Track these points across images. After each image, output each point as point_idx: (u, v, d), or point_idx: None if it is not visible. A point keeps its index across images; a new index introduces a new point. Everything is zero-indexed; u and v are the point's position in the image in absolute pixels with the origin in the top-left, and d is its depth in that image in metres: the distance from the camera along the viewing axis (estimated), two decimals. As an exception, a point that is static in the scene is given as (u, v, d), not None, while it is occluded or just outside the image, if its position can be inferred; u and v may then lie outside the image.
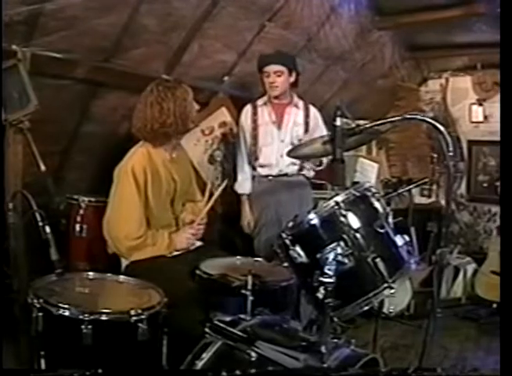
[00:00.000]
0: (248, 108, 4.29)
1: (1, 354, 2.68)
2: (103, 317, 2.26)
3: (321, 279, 2.05)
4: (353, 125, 2.32)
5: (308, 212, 2.22)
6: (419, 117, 2.41)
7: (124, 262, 3.16)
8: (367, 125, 2.30)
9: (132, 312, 2.30)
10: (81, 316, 2.22)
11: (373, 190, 2.32)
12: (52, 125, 3.50)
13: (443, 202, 6.19)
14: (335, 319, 2.22)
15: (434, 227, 5.46)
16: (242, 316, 2.50)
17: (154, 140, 3.18)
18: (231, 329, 2.34)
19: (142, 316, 2.31)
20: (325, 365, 2.12)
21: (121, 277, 2.77)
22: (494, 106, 6.55)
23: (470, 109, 6.74)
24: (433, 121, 2.20)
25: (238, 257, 3.27)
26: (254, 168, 4.30)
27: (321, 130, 4.28)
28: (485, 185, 6.74)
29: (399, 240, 2.26)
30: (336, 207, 2.18)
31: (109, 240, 3.09)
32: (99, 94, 3.72)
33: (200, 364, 2.26)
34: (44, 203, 2.83)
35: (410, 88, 6.82)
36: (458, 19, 4.94)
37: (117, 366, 2.28)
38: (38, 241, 2.58)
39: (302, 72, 4.25)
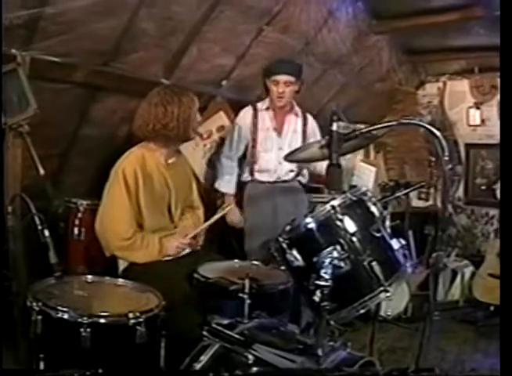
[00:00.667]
0: (248, 110, 4.29)
1: (2, 355, 2.69)
2: (102, 320, 2.27)
3: (317, 282, 2.07)
4: (350, 129, 2.34)
5: (305, 216, 2.24)
6: (414, 121, 2.42)
7: (122, 266, 3.18)
8: (363, 130, 2.32)
9: (130, 315, 2.30)
10: (79, 319, 2.23)
11: (370, 194, 2.34)
12: (51, 129, 3.51)
13: (441, 205, 6.19)
14: (332, 322, 2.24)
15: (432, 230, 5.46)
16: (239, 319, 2.52)
17: (153, 140, 3.21)
18: (228, 332, 2.36)
19: (140, 319, 2.32)
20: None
21: (119, 280, 2.78)
22: (491, 110, 6.58)
23: (468, 112, 6.76)
24: (428, 126, 2.22)
25: (235, 260, 3.29)
26: (251, 173, 4.31)
27: (316, 138, 4.27)
28: (483, 188, 6.74)
29: (395, 244, 2.28)
30: (332, 211, 2.20)
31: (100, 238, 3.13)
32: (98, 98, 3.73)
33: (197, 367, 2.28)
34: (42, 206, 2.83)
35: (408, 92, 6.83)
36: (455, 22, 4.95)
37: (115, 368, 2.29)
38: (37, 244, 2.58)
39: (300, 76, 4.27)
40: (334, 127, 2.23)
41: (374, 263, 2.16)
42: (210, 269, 3.00)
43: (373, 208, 2.29)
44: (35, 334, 2.29)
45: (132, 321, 2.30)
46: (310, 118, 4.40)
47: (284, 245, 2.25)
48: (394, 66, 6.12)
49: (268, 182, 4.29)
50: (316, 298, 2.08)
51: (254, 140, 4.26)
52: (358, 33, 5.12)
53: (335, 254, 2.13)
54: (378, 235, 2.23)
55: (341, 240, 2.17)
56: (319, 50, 4.96)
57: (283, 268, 2.54)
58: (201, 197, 3.69)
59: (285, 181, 4.30)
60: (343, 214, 2.20)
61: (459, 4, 4.69)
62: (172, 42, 3.80)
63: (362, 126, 2.37)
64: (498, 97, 6.48)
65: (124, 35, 3.46)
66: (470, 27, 5.17)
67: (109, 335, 2.30)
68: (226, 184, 4.36)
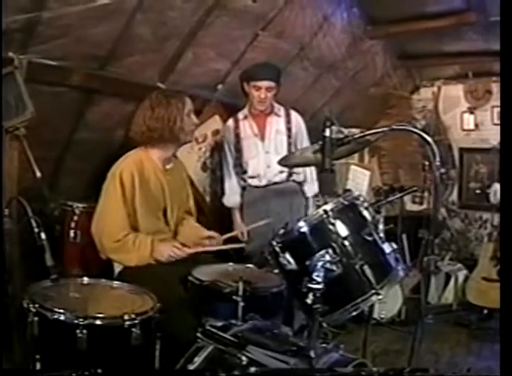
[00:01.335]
0: (230, 122, 4.36)
1: (2, 355, 2.71)
2: (97, 322, 2.29)
3: (310, 285, 2.10)
4: (343, 134, 2.37)
5: (298, 220, 2.27)
6: (406, 127, 2.45)
7: (118, 268, 3.20)
8: (356, 136, 2.35)
9: (126, 317, 2.33)
10: (75, 321, 2.25)
11: (362, 199, 2.37)
12: (47, 132, 3.52)
13: (435, 209, 6.22)
14: (324, 324, 2.26)
15: (426, 234, 5.49)
16: (233, 321, 2.54)
17: (145, 144, 3.26)
18: (222, 334, 2.37)
19: (136, 321, 2.35)
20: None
21: (115, 283, 2.80)
22: (485, 115, 6.63)
23: (462, 117, 6.81)
24: (420, 132, 2.25)
25: (230, 263, 3.31)
26: (243, 180, 4.35)
27: (302, 134, 4.38)
28: (477, 192, 6.78)
29: (387, 248, 2.30)
30: (324, 215, 2.22)
31: (95, 239, 3.16)
32: (94, 101, 3.75)
33: (191, 368, 2.29)
34: (39, 209, 2.85)
35: (402, 97, 6.86)
36: (449, 28, 4.99)
37: (111, 369, 2.31)
38: (33, 247, 2.60)
39: (295, 80, 4.29)
40: (327, 132, 2.26)
41: (366, 267, 2.19)
42: (205, 272, 3.02)
43: (365, 213, 2.32)
44: (32, 336, 2.31)
45: (127, 323, 2.33)
46: (293, 114, 4.42)
47: (277, 249, 2.28)
48: (389, 70, 6.16)
49: (261, 187, 4.32)
50: (309, 301, 2.11)
51: (239, 150, 4.31)
52: (353, 38, 5.14)
53: (327, 257, 2.16)
54: (370, 239, 2.26)
55: (333, 244, 2.20)
56: (314, 55, 4.98)
57: (276, 271, 2.57)
58: (195, 202, 3.72)
59: (277, 183, 4.32)
60: (335, 218, 2.23)
61: (454, 9, 4.73)
62: (168, 47, 3.82)
63: (356, 130, 2.40)
64: (492, 102, 6.52)
65: (120, 40, 3.47)
66: (464, 32, 5.21)
67: (104, 337, 2.32)
68: (231, 200, 4.39)
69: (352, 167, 5.56)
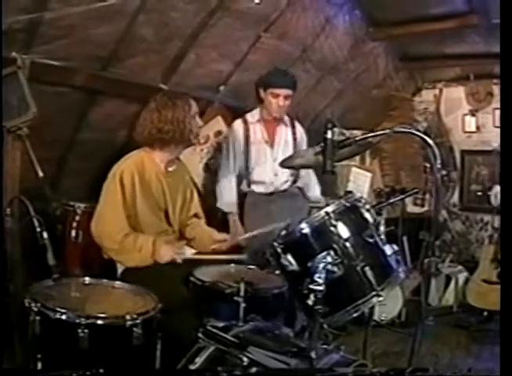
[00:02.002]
0: (240, 124, 4.28)
1: (3, 354, 2.72)
2: (99, 321, 2.30)
3: (311, 286, 2.10)
4: (345, 136, 2.37)
5: (300, 222, 2.27)
6: (408, 130, 2.45)
7: (120, 268, 3.20)
8: (358, 138, 2.35)
9: (127, 317, 2.34)
10: (77, 320, 2.26)
11: (363, 201, 2.37)
12: (50, 132, 3.53)
13: (436, 211, 6.22)
14: (325, 325, 2.27)
15: (427, 236, 5.48)
16: (234, 322, 2.55)
17: (152, 146, 3.25)
18: (223, 334, 2.38)
19: (137, 321, 2.36)
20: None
21: (116, 283, 2.81)
22: (486, 117, 6.64)
23: (463, 119, 6.82)
24: (421, 134, 2.25)
25: (232, 264, 3.31)
26: (248, 185, 4.31)
27: (303, 146, 4.36)
28: (478, 194, 6.78)
29: (388, 250, 2.31)
30: (326, 217, 2.23)
31: (94, 238, 3.16)
32: (96, 102, 3.76)
33: (193, 368, 2.30)
34: (41, 208, 2.86)
35: (404, 98, 6.87)
36: (451, 30, 4.99)
37: (112, 369, 2.31)
38: (35, 246, 2.61)
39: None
40: (329, 135, 2.26)
41: (367, 268, 2.19)
42: (207, 273, 3.03)
43: (367, 214, 2.32)
44: (33, 335, 2.32)
45: (129, 323, 2.34)
46: (298, 126, 4.41)
47: (279, 250, 2.28)
48: (391, 72, 6.16)
49: (265, 194, 4.30)
50: (310, 302, 2.11)
51: (247, 154, 4.25)
52: (355, 40, 5.15)
53: (329, 259, 2.16)
54: (371, 241, 2.27)
55: (335, 246, 2.20)
56: (316, 57, 4.99)
57: (277, 272, 2.57)
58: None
59: (282, 190, 4.32)
60: (337, 220, 2.24)
61: (456, 12, 4.73)
62: (170, 48, 3.83)
63: (358, 132, 2.40)
64: (493, 104, 6.53)
65: (123, 41, 3.48)
66: (466, 34, 5.22)
67: (106, 336, 2.33)
68: (228, 204, 4.30)
69: (353, 169, 5.56)
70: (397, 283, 2.42)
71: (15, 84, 3.05)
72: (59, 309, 2.30)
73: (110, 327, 2.35)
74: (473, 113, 6.73)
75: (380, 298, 2.20)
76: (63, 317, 2.28)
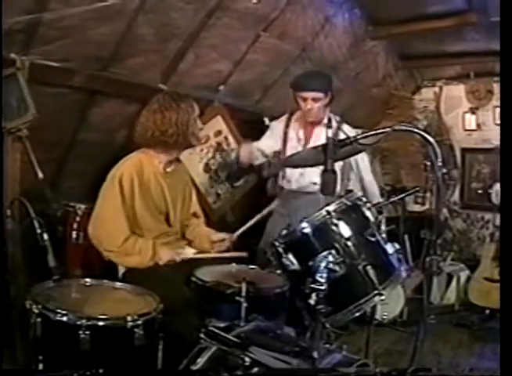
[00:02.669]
0: (283, 118, 4.33)
1: (2, 355, 2.71)
2: (100, 323, 2.30)
3: (313, 286, 2.10)
4: (344, 137, 2.37)
5: (301, 221, 2.27)
6: (408, 128, 2.44)
7: (122, 269, 3.20)
8: (358, 137, 2.35)
9: (129, 318, 2.34)
10: (78, 322, 2.26)
11: (365, 199, 2.37)
12: (49, 133, 3.52)
13: (437, 209, 6.21)
14: (327, 325, 2.27)
15: (428, 234, 5.48)
16: (236, 322, 2.55)
17: (153, 147, 3.23)
18: (225, 335, 2.38)
19: (139, 322, 2.36)
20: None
21: (117, 284, 2.80)
22: (487, 115, 6.63)
23: (464, 117, 6.81)
24: (422, 132, 2.25)
25: (233, 264, 3.30)
26: (281, 180, 4.35)
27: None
28: (479, 192, 6.78)
29: (390, 248, 2.31)
30: (327, 216, 2.23)
31: (93, 241, 3.15)
32: (96, 102, 3.75)
33: (195, 369, 2.30)
34: (41, 210, 2.86)
35: (404, 97, 6.86)
36: (451, 28, 4.97)
37: (113, 370, 2.31)
38: (36, 248, 2.61)
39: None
40: (329, 133, 2.26)
41: (369, 267, 2.20)
42: (208, 273, 3.03)
43: (368, 213, 2.32)
44: (34, 336, 2.32)
45: (130, 324, 2.34)
46: (345, 130, 4.03)
47: (280, 249, 2.28)
48: (391, 71, 6.16)
49: (291, 191, 4.30)
50: (312, 302, 2.11)
51: (284, 147, 4.27)
52: (355, 39, 5.14)
53: (330, 258, 2.16)
54: (373, 239, 2.27)
55: (336, 245, 2.20)
56: (316, 56, 4.97)
57: (279, 272, 2.57)
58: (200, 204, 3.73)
59: (309, 193, 4.20)
60: (338, 219, 2.24)
61: (455, 10, 4.72)
62: (170, 48, 3.82)
63: (359, 131, 2.39)
64: (493, 102, 6.53)
65: (122, 41, 3.47)
66: (465, 32, 5.21)
67: (107, 338, 2.33)
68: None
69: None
70: (399, 282, 2.42)
71: (14, 86, 3.05)
72: (59, 311, 2.29)
73: (112, 329, 2.34)
74: (473, 111, 6.72)
75: (382, 297, 2.20)
76: (64, 319, 2.28)
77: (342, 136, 4.13)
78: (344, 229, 2.23)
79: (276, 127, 4.34)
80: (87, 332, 2.25)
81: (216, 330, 2.41)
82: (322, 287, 2.08)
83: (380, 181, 6.35)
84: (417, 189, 3.26)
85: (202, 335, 2.40)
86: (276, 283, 2.91)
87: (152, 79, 3.91)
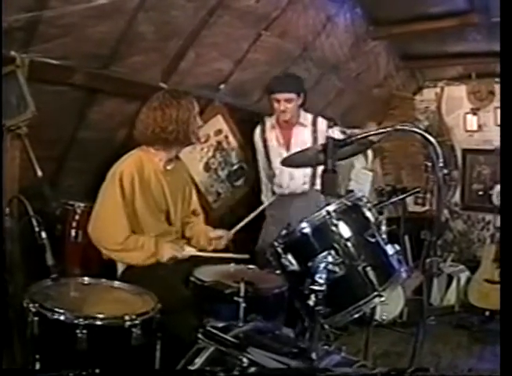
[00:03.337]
0: (258, 130, 4.44)
1: (2, 355, 2.71)
2: (98, 322, 2.29)
3: (312, 287, 2.09)
4: (345, 136, 2.36)
5: (301, 221, 2.26)
6: (409, 128, 2.43)
7: (121, 268, 3.19)
8: (359, 136, 2.34)
9: (126, 318, 2.33)
10: (76, 321, 2.25)
11: (365, 200, 2.35)
12: (49, 131, 3.50)
13: (438, 210, 6.20)
14: (326, 326, 2.25)
15: (428, 235, 5.47)
16: (234, 322, 2.53)
17: (153, 145, 3.22)
18: (223, 335, 2.36)
19: (136, 322, 2.34)
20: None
21: (116, 283, 2.79)
22: (488, 116, 6.62)
23: (465, 118, 6.80)
24: (423, 132, 2.24)
25: (232, 264, 3.30)
26: (272, 187, 4.46)
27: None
28: (480, 193, 6.76)
29: (390, 249, 2.30)
30: (327, 216, 2.22)
31: (93, 239, 3.13)
32: (96, 100, 3.73)
33: (192, 369, 2.28)
34: (40, 208, 2.84)
35: (405, 97, 6.85)
36: (452, 29, 4.97)
37: (111, 370, 2.30)
38: (34, 246, 2.59)
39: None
40: (330, 133, 2.25)
41: (368, 268, 2.18)
42: (207, 273, 3.02)
43: (368, 214, 2.31)
44: (32, 336, 2.31)
45: (128, 323, 2.33)
46: (320, 121, 4.30)
47: (279, 250, 2.27)
48: (392, 71, 6.15)
49: (284, 195, 4.39)
50: (311, 303, 2.10)
51: (268, 158, 4.41)
52: (356, 38, 5.12)
53: (330, 259, 2.15)
54: (373, 240, 2.26)
55: (336, 245, 2.19)
56: (317, 55, 4.96)
57: (278, 272, 2.56)
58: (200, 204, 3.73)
59: (300, 194, 4.39)
60: (338, 219, 2.23)
61: (457, 10, 4.71)
62: (170, 46, 3.80)
63: (359, 131, 2.38)
64: (495, 103, 6.51)
65: (123, 39, 3.46)
66: (467, 33, 5.20)
67: (105, 337, 2.32)
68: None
69: (355, 167, 5.56)
70: (399, 284, 2.42)
71: (14, 83, 3.03)
72: (57, 310, 2.28)
73: (109, 328, 2.33)
74: (474, 111, 6.71)
75: (382, 299, 2.19)
76: (62, 318, 2.27)
77: (319, 134, 4.22)
78: (344, 230, 2.22)
79: (257, 144, 4.48)
80: (84, 331, 2.24)
81: (214, 331, 2.40)
82: (322, 288, 2.07)
83: (381, 181, 6.35)
84: (418, 189, 3.26)
85: (200, 335, 2.39)
86: (275, 284, 2.91)
87: (152, 78, 3.89)
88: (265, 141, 4.39)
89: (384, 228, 2.38)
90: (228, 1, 3.75)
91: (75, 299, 2.52)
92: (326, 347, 2.29)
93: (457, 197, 6.96)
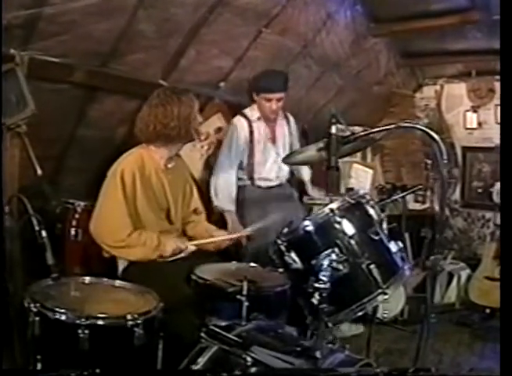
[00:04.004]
0: (242, 120, 4.30)
1: (2, 355, 2.69)
2: (100, 322, 2.27)
3: (316, 285, 2.08)
4: (348, 133, 2.35)
5: (304, 219, 2.25)
6: (413, 125, 2.42)
7: (121, 267, 3.17)
8: (361, 133, 2.33)
9: (128, 317, 2.31)
10: (77, 321, 2.23)
11: (368, 197, 2.34)
12: (48, 129, 3.50)
13: (437, 208, 6.20)
14: (329, 324, 2.24)
15: (428, 233, 5.47)
16: (237, 321, 2.52)
17: (154, 142, 3.22)
18: (226, 334, 2.35)
19: (138, 321, 2.33)
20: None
21: (117, 282, 2.77)
22: (488, 113, 6.61)
23: (465, 115, 6.78)
24: (427, 129, 2.22)
25: (233, 262, 3.29)
26: (251, 181, 4.35)
27: (296, 137, 4.55)
28: (479, 191, 6.76)
29: (393, 247, 2.29)
30: (330, 214, 2.21)
31: (95, 237, 3.12)
32: (96, 98, 3.73)
33: (195, 369, 2.27)
34: (40, 207, 2.83)
35: (405, 95, 6.85)
36: (453, 26, 4.97)
37: (113, 370, 2.29)
38: (34, 245, 2.58)
39: (298, 78, 4.28)
40: (333, 130, 2.24)
41: (372, 266, 2.18)
42: (208, 271, 3.00)
43: (371, 211, 2.30)
44: (32, 336, 2.29)
45: (130, 323, 2.31)
46: (291, 119, 4.53)
47: (282, 248, 2.26)
48: (392, 69, 6.15)
49: (266, 188, 4.38)
50: (315, 301, 2.09)
51: (252, 150, 4.30)
52: (357, 36, 5.12)
53: (333, 256, 2.14)
54: (376, 238, 2.25)
55: (339, 243, 2.18)
56: (317, 53, 4.96)
57: (281, 270, 2.55)
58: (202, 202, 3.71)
59: (278, 185, 4.43)
60: (341, 216, 2.22)
61: (457, 8, 4.71)
62: (170, 44, 3.80)
63: (359, 129, 2.37)
64: (495, 101, 6.50)
65: (123, 37, 3.45)
66: (467, 30, 5.19)
67: (107, 337, 2.30)
68: (227, 202, 4.25)
69: (355, 165, 5.56)
70: (402, 281, 2.41)
71: (13, 81, 3.02)
72: (58, 310, 2.26)
73: (111, 328, 2.31)
74: (474, 109, 6.70)
75: (386, 296, 2.18)
76: (63, 318, 2.25)
77: (292, 128, 4.45)
78: (348, 227, 2.21)
79: (241, 135, 4.30)
80: (86, 331, 2.22)
81: (217, 330, 2.39)
82: (325, 286, 2.06)
83: (381, 179, 6.34)
84: (420, 186, 3.26)
85: (202, 334, 2.38)
86: (278, 282, 2.89)
87: (152, 75, 3.89)
88: (251, 133, 4.29)
89: (385, 225, 2.37)
90: (228, -1, 3.75)
91: (76, 299, 2.50)
92: (330, 345, 2.27)
93: (457, 195, 6.96)
